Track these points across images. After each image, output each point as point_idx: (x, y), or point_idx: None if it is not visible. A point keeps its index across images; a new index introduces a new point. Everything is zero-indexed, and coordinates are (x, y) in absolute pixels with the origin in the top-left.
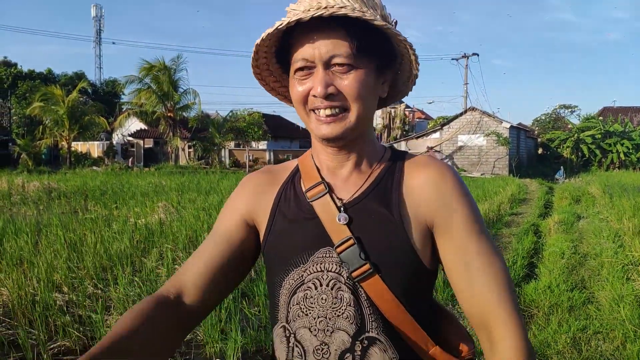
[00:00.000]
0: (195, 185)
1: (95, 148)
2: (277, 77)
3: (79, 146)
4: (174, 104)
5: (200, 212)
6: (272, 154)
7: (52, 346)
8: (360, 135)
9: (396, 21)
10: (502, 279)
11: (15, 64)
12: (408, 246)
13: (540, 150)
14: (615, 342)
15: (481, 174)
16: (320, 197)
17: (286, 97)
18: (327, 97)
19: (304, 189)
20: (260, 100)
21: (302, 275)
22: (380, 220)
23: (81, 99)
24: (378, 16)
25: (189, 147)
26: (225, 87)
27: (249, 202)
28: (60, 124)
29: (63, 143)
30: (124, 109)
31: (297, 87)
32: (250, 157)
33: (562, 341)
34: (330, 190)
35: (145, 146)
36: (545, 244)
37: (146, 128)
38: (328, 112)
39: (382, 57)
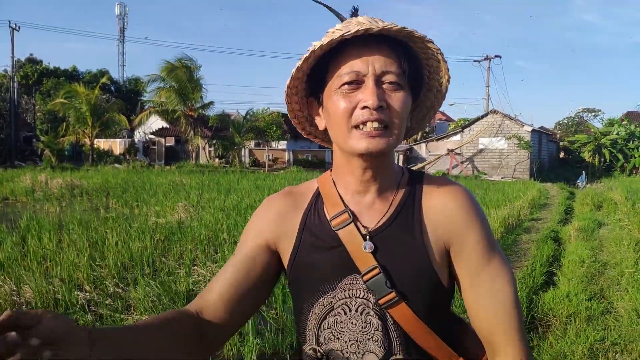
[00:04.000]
0: (215, 184)
1: (117, 145)
2: (298, 100)
3: (101, 143)
4: (194, 102)
5: (219, 213)
6: (291, 153)
7: None
8: (387, 157)
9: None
10: (510, 301)
11: (41, 61)
12: (431, 270)
13: (562, 154)
14: (633, 354)
15: (501, 178)
16: (345, 226)
17: (302, 125)
18: (378, 109)
19: (328, 217)
20: (280, 100)
21: (331, 302)
22: (404, 248)
23: (103, 96)
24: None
25: (210, 145)
26: (245, 87)
27: (272, 226)
28: (82, 121)
29: (85, 140)
30: (146, 107)
31: (342, 101)
32: (270, 157)
33: (579, 352)
34: (355, 218)
35: (167, 144)
36: (565, 252)
37: (167, 126)
38: (375, 124)
39: (414, 85)
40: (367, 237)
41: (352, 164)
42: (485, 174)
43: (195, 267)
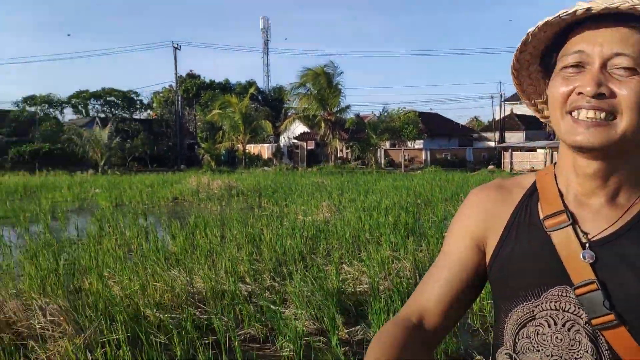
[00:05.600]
0: (354, 185)
1: (265, 150)
2: (534, 81)
3: (252, 148)
4: (333, 107)
5: (360, 213)
6: (428, 153)
7: (239, 333)
8: (622, 156)
9: None
10: None
11: (199, 76)
12: None
13: None
14: None
15: None
16: (560, 228)
17: (536, 106)
18: (596, 96)
19: (541, 215)
20: (417, 99)
21: (532, 310)
22: (635, 266)
23: (252, 105)
24: None
25: (347, 148)
26: (381, 88)
27: (479, 222)
28: (236, 129)
29: (239, 146)
30: (289, 114)
31: (561, 84)
32: (406, 157)
33: None
34: (574, 221)
35: (308, 148)
36: None
37: (308, 131)
38: (591, 114)
39: None
40: (587, 245)
41: (575, 159)
42: None
43: (343, 265)
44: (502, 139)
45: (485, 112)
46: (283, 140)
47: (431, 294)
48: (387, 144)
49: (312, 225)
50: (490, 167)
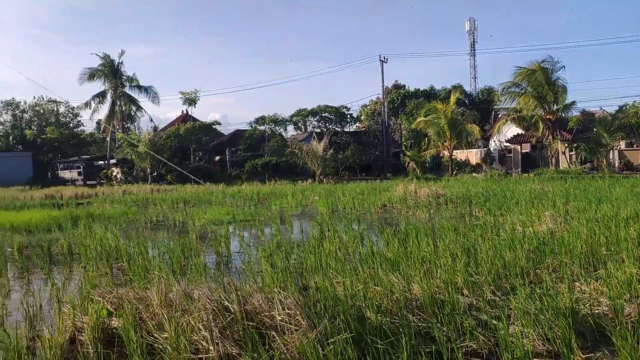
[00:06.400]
0: (582, 192)
1: (473, 155)
2: None
3: (458, 154)
4: (553, 105)
5: (593, 225)
6: None
7: (460, 345)
8: None
9: None
10: None
11: (404, 86)
12: None
13: None
14: None
15: None
16: None
17: None
18: None
19: None
20: None
21: None
22: None
23: (459, 109)
24: None
25: (570, 149)
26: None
27: None
28: (441, 135)
29: (444, 152)
30: (500, 115)
31: None
32: None
33: None
34: None
35: (522, 151)
36: None
37: (523, 133)
38: None
39: None
40: None
41: None
42: None
43: (576, 283)
44: None
45: None
46: (493, 144)
47: None
48: (622, 144)
49: (533, 237)
50: None
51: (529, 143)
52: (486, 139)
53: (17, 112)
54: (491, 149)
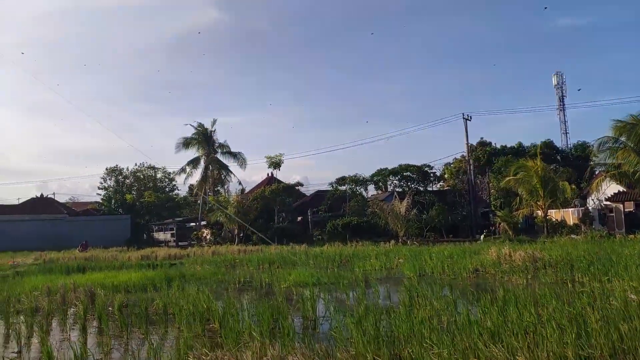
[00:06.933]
0: None
1: (569, 215)
2: None
3: (553, 214)
4: None
5: None
6: None
7: None
8: None
9: None
10: None
11: (490, 143)
12: None
13: None
14: None
15: None
16: None
17: None
18: None
19: None
20: None
21: None
22: None
23: (550, 166)
24: None
25: None
26: None
27: None
28: (534, 194)
29: (538, 212)
30: (597, 172)
31: None
32: None
33: None
34: None
35: (626, 210)
36: None
37: (625, 190)
38: None
39: None
40: None
41: None
42: None
43: None
44: None
45: None
46: (591, 203)
47: None
48: None
49: None
50: None
51: (632, 201)
52: (583, 197)
53: (120, 177)
54: (589, 208)
